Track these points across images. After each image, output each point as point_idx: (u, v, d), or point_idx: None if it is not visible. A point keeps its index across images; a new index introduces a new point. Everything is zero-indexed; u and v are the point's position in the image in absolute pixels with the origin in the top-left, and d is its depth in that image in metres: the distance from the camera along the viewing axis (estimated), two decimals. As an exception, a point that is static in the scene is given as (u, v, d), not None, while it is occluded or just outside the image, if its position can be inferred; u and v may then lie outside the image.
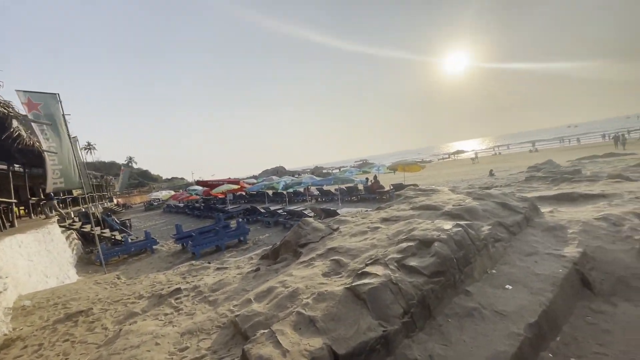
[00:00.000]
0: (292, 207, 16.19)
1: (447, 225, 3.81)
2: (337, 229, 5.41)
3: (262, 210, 15.87)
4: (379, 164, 19.75)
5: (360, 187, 18.62)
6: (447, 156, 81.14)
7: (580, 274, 3.33)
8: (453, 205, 4.84)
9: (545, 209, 5.32)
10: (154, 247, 12.89)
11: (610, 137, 37.57)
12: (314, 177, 15.39)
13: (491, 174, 21.68)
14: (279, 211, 15.20)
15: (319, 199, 20.52)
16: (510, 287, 3.10)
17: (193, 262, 7.02)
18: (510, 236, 4.07)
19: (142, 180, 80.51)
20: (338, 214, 10.75)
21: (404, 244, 3.66)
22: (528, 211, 4.64)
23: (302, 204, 18.43)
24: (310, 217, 12.64)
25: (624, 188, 7.40)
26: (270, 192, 23.55)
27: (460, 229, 3.67)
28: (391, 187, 16.53)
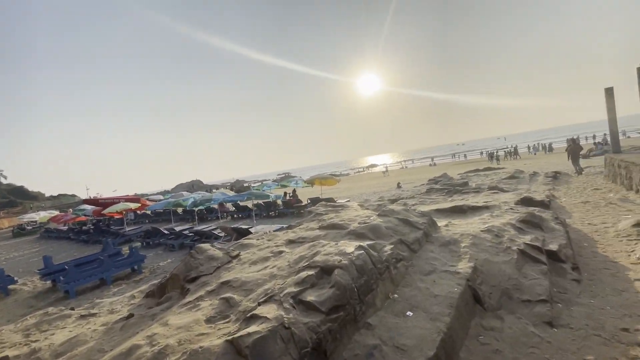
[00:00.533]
0: (203, 227, 14.66)
1: (350, 247, 3.54)
2: (237, 255, 4.73)
3: (166, 232, 13.96)
4: (297, 178, 19.60)
5: (279, 202, 18.14)
6: (362, 170, 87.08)
7: (472, 289, 3.37)
8: (359, 224, 4.68)
9: (442, 222, 5.61)
10: (10, 286, 10.00)
11: (487, 154, 45.68)
12: (227, 192, 14.26)
13: (399, 186, 23.61)
14: (186, 232, 13.56)
15: (236, 216, 19.25)
16: (411, 314, 2.92)
17: (50, 309, 5.39)
18: (411, 254, 4.03)
19: (14, 198, 65.28)
20: (251, 233, 9.94)
21: (304, 273, 3.24)
22: (427, 227, 4.75)
23: (216, 222, 16.96)
24: (221, 236, 11.51)
25: (500, 199, 8.51)
26: (179, 209, 21.20)
27: (362, 251, 3.42)
28: (308, 201, 16.44)
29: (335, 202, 15.47)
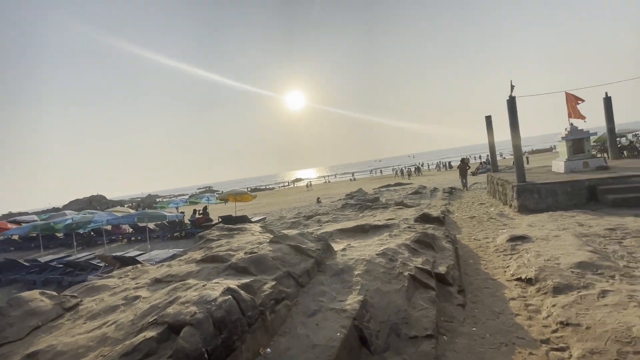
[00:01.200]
0: (81, 255, 11.98)
1: (216, 291, 2.80)
2: (76, 305, 3.53)
3: (26, 264, 10.97)
4: (209, 194, 17.94)
5: (186, 220, 16.25)
6: (287, 184, 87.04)
7: (359, 330, 2.95)
8: (244, 254, 3.97)
9: (342, 244, 5.30)
10: None
11: (396, 170, 50.32)
12: (114, 213, 11.98)
13: (318, 201, 23.70)
14: (54, 262, 10.87)
15: (134, 238, 16.54)
16: (279, 379, 2.30)
17: None
18: (297, 290, 3.48)
19: None
20: (138, 262, 8.31)
21: (142, 336, 2.37)
22: (321, 253, 4.32)
23: (102, 248, 14.18)
24: (100, 267, 9.44)
25: (402, 215, 8.80)
26: (59, 234, 17.27)
27: (229, 297, 2.71)
28: (219, 220, 15.05)
29: (247, 220, 14.47)
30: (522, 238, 5.58)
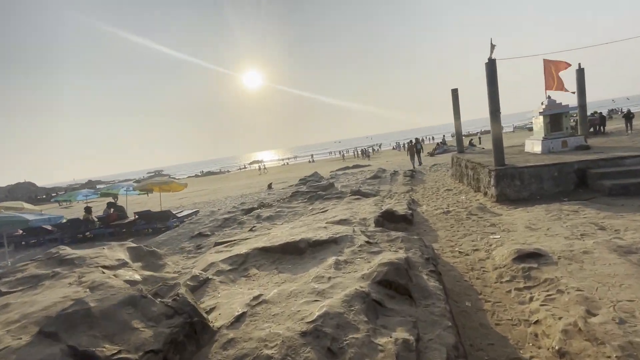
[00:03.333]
0: None
1: None
2: None
3: None
4: (127, 185, 14.48)
5: (92, 218, 12.82)
6: (244, 167, 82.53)
7: None
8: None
9: (244, 297, 2.93)
10: None
11: (359, 151, 49.01)
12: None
13: (269, 187, 21.10)
14: None
15: (24, 242, 12.76)
16: None
17: None
18: None
19: None
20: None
21: None
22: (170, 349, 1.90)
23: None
24: None
25: (359, 212, 6.64)
26: None
27: None
28: (136, 217, 11.92)
29: (171, 216, 11.49)
30: (536, 256, 3.65)
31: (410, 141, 24.09)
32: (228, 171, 74.26)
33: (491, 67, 7.79)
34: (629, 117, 16.18)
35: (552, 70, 9.33)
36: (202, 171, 77.22)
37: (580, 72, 11.27)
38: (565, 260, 3.46)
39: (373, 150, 57.22)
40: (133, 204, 22.47)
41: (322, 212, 7.93)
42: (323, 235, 4.14)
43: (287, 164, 65.16)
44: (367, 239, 3.92)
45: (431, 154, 28.32)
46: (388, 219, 6.02)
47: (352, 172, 20.18)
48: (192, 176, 74.51)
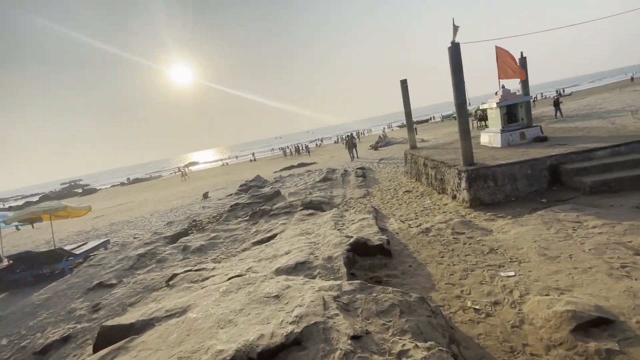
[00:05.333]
0: None
1: None
2: None
3: None
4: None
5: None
6: (177, 170, 75.26)
7: None
8: None
9: None
10: None
11: (293, 149, 47.47)
12: None
13: (205, 197, 18.37)
14: None
15: None
16: None
17: None
18: None
19: None
20: None
21: None
22: None
23: None
24: None
25: (320, 243, 5.00)
26: None
27: None
28: (10, 261, 8.67)
29: (66, 254, 8.46)
30: (603, 324, 2.42)
31: (347, 136, 27.07)
32: (160, 176, 67.08)
33: (455, 51, 6.73)
34: (557, 104, 17.27)
35: (505, 57, 8.77)
36: (129, 178, 68.42)
37: (523, 61, 11.11)
38: (651, 331, 2.26)
39: (316, 145, 56.33)
40: (16, 238, 17.83)
41: (268, 243, 6.11)
42: (276, 329, 2.39)
43: (227, 164, 60.87)
44: (352, 332, 2.29)
45: (375, 148, 27.99)
46: (361, 253, 4.50)
47: (298, 172, 18.50)
48: (117, 184, 65.63)
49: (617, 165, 6.12)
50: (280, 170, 24.62)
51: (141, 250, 7.73)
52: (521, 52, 11.02)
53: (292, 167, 24.99)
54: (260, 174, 21.44)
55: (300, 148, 45.87)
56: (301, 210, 8.22)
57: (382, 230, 5.52)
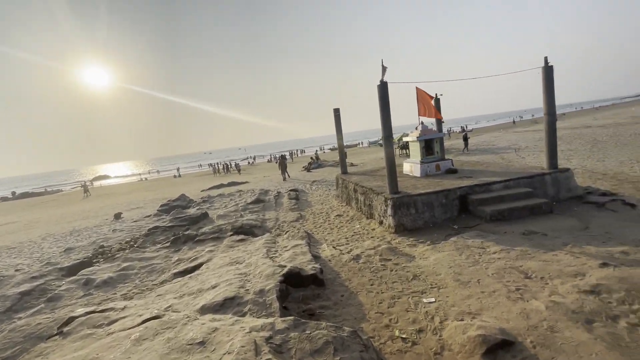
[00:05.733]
0: None
1: None
2: None
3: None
4: None
5: None
6: (84, 184, 65.10)
7: None
8: None
9: None
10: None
11: (221, 166, 45.68)
12: None
13: (117, 217, 16.15)
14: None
15: None
16: None
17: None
18: None
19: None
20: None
21: None
22: None
23: None
24: None
25: (250, 274, 4.75)
26: None
27: None
28: None
29: None
30: (507, 346, 2.75)
31: (281, 156, 27.43)
32: (60, 190, 57.12)
33: (383, 89, 7.39)
34: (465, 138, 20.17)
35: (424, 97, 9.97)
36: (14, 192, 56.46)
37: (437, 102, 12.76)
38: (543, 350, 2.66)
39: (249, 163, 55.07)
40: None
41: (193, 275, 5.58)
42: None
43: (146, 179, 55.05)
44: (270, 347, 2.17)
45: (307, 169, 28.50)
46: (294, 283, 4.41)
47: (229, 192, 17.67)
48: (-2, 199, 53.51)
49: (508, 197, 7.31)
50: (209, 188, 23.24)
51: (26, 287, 6.32)
52: (436, 94, 12.61)
53: (222, 185, 23.82)
54: (186, 192, 19.89)
55: (229, 165, 44.27)
56: (231, 235, 7.79)
57: (316, 257, 5.54)
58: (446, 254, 5.10)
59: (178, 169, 57.24)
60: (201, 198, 16.58)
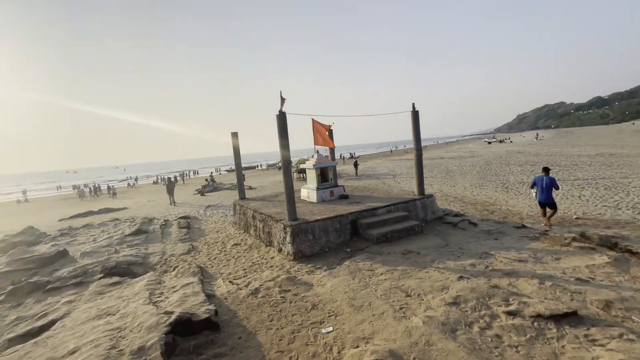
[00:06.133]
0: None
1: None
2: None
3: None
4: None
5: None
6: None
7: None
8: None
9: None
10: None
11: (99, 189, 38.44)
12: None
13: None
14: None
15: None
16: None
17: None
18: None
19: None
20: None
21: None
22: None
23: None
24: None
25: (127, 325, 3.98)
26: None
27: None
28: None
29: None
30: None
31: (169, 178, 25.32)
32: None
33: (281, 119, 7.60)
34: (356, 165, 22.37)
35: (319, 128, 10.68)
36: None
37: (330, 133, 13.86)
38: (421, 364, 3.01)
39: (129, 185, 47.61)
40: None
41: (40, 338, 4.29)
42: None
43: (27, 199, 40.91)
44: None
45: (201, 193, 26.46)
46: (184, 332, 3.86)
47: (100, 222, 14.68)
48: None
49: (390, 220, 8.34)
50: (71, 217, 18.87)
51: None
52: (330, 126, 13.68)
53: (90, 213, 19.72)
54: (36, 223, 15.69)
55: (98, 188, 37.45)
56: (101, 278, 6.41)
57: (210, 297, 5.04)
58: (341, 279, 5.39)
59: (24, 192, 44.68)
60: (59, 230, 13.29)
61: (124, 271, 6.92)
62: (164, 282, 5.95)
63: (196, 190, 28.89)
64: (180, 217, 14.18)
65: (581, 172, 17.46)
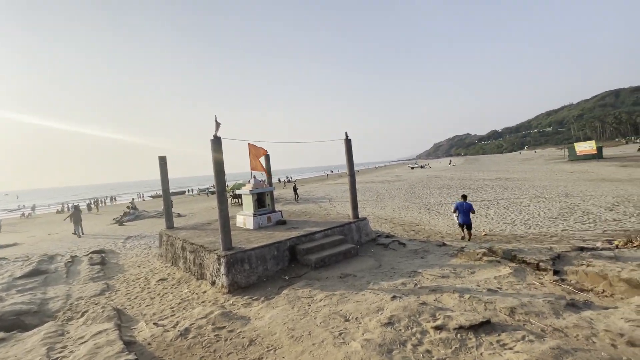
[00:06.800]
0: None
1: None
2: None
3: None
4: None
5: None
6: None
7: None
8: None
9: None
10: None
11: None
12: None
13: None
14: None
15: None
16: None
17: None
18: None
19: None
20: None
21: None
22: None
23: None
24: None
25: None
26: None
27: None
28: None
29: None
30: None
31: (76, 206, 21.54)
32: None
33: (216, 144, 7.34)
34: (295, 189, 22.43)
35: (255, 153, 10.57)
36: None
37: (267, 158, 13.83)
38: (362, 390, 3.04)
39: (23, 215, 39.91)
40: None
41: None
42: None
43: None
44: None
45: (120, 222, 23.51)
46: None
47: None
48: None
49: (328, 244, 8.49)
50: None
51: None
52: (266, 151, 13.64)
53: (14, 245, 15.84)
54: None
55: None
56: None
57: (129, 344, 4.40)
58: (280, 309, 5.23)
59: None
60: None
61: (12, 323, 5.64)
62: (68, 333, 5.01)
63: (114, 219, 25.61)
64: (92, 252, 12.31)
65: (486, 194, 20.33)
